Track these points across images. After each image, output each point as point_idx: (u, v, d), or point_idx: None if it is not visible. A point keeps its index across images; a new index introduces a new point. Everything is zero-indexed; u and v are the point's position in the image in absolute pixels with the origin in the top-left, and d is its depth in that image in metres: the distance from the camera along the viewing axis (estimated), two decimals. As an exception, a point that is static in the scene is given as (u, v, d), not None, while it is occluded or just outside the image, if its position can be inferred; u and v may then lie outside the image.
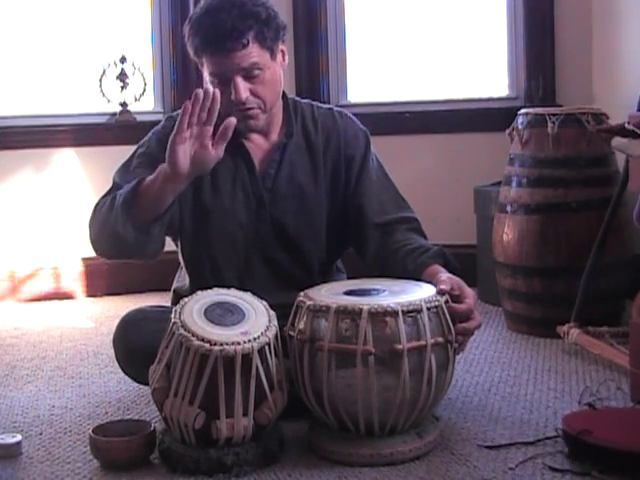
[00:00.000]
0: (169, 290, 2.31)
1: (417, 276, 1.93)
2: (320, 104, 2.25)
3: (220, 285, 1.89)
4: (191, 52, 2.06)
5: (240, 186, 2.11)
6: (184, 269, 2.22)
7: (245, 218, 2.12)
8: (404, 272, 1.96)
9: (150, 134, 2.16)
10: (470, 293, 1.83)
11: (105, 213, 1.97)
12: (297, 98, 2.24)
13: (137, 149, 2.15)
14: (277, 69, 2.08)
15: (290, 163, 2.14)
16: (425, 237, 2.11)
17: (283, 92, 2.15)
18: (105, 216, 1.97)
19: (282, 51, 2.10)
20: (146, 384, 1.87)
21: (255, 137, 2.14)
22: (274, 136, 2.15)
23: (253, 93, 2.03)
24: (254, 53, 2.00)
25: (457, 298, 1.80)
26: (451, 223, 3.48)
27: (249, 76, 2.01)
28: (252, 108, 2.04)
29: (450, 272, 1.91)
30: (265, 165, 2.14)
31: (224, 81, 2.01)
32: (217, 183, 2.11)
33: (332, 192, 2.16)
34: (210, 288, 1.85)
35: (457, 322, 1.78)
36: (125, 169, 2.11)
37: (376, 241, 2.10)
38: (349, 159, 2.16)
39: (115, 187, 2.06)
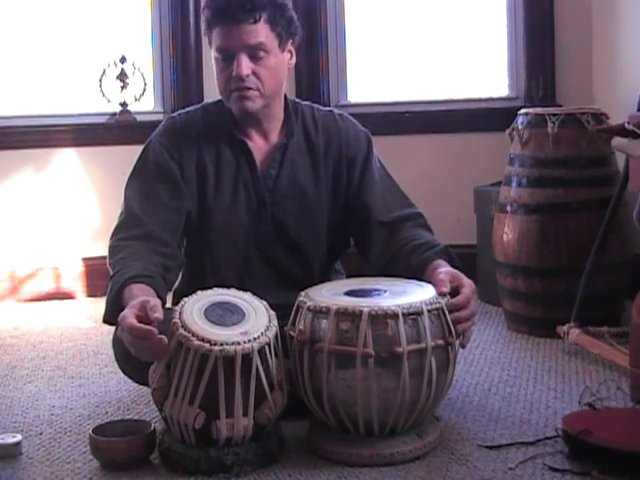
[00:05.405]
0: (169, 291, 2.30)
1: (420, 271, 1.93)
2: (320, 106, 2.25)
3: (220, 283, 1.88)
4: (203, 28, 2.08)
5: (242, 185, 2.12)
6: (185, 266, 2.22)
7: (246, 217, 2.12)
8: (407, 267, 1.96)
9: (152, 141, 2.13)
10: (467, 282, 1.83)
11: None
12: (297, 100, 2.24)
13: (142, 156, 2.12)
14: (283, 62, 2.09)
15: (291, 163, 2.14)
16: (431, 232, 2.11)
17: (284, 95, 2.16)
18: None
19: (291, 51, 2.12)
20: (145, 385, 1.87)
21: (256, 137, 2.14)
22: (274, 137, 2.15)
23: (255, 73, 2.03)
24: (262, 33, 2.01)
25: (454, 290, 1.80)
26: (451, 223, 3.48)
27: (254, 56, 2.02)
28: (250, 88, 2.03)
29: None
30: (266, 165, 2.14)
31: (229, 58, 2.02)
32: (220, 181, 2.11)
33: (333, 193, 2.16)
34: (210, 287, 1.84)
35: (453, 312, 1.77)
36: (138, 185, 2.08)
37: (382, 240, 2.10)
38: (350, 160, 2.16)
39: (130, 214, 2.04)
